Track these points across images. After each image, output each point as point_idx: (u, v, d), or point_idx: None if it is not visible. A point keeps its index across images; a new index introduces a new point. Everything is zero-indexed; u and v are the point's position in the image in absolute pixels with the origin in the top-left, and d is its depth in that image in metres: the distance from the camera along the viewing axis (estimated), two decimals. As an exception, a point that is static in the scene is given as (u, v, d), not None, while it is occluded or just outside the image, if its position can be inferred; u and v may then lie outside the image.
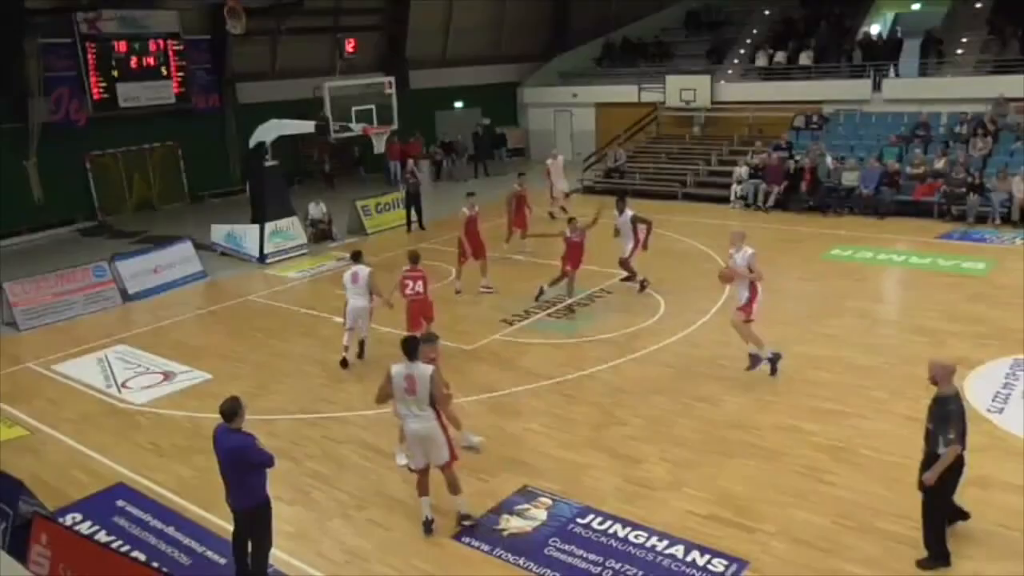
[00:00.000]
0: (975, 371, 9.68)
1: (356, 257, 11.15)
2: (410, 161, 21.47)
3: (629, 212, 13.35)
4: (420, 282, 10.65)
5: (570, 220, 13.18)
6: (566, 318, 12.60)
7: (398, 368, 6.90)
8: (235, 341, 12.44)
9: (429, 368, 6.92)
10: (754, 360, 9.85)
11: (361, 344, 11.25)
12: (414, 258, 10.75)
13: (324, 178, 26.49)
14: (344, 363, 11.01)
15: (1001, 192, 17.07)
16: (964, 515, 6.58)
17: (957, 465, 6.08)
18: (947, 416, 5.99)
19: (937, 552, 6.24)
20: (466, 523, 7.16)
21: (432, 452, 6.96)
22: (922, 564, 6.27)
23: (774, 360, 9.86)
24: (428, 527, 7.09)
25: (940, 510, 6.24)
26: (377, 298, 10.86)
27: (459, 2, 28.65)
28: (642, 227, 13.27)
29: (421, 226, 19.60)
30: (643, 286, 13.40)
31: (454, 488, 7.10)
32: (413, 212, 19.64)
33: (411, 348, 6.93)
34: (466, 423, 9.21)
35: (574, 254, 12.82)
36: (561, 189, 19.98)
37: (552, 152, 21.22)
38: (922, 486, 6.17)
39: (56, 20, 20.31)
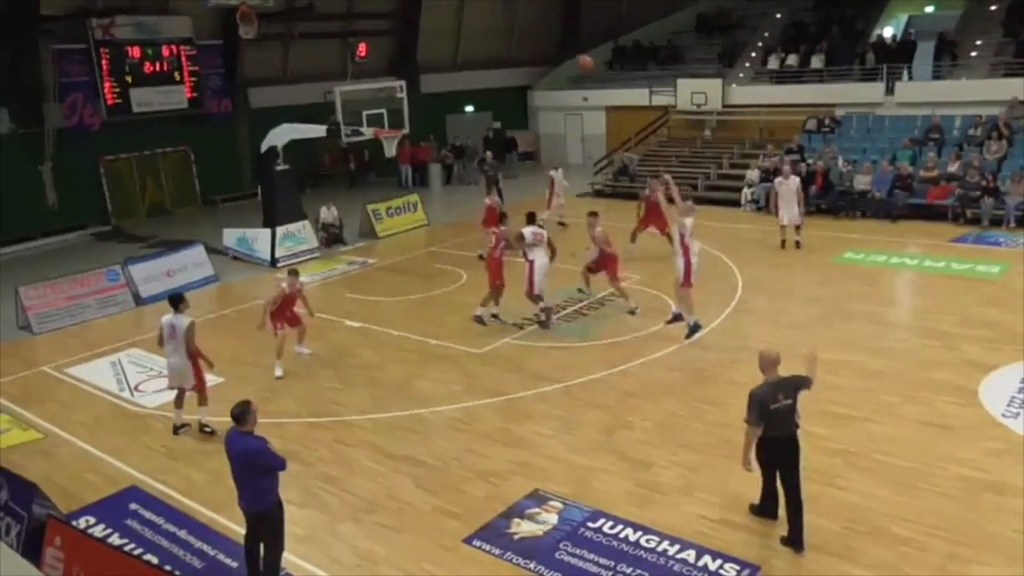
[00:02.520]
0: (989, 376, 9.62)
1: (176, 303, 9.32)
2: (488, 153, 22.83)
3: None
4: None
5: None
6: (576, 321, 12.59)
7: (167, 318, 9.21)
8: (246, 345, 12.45)
9: (187, 319, 9.12)
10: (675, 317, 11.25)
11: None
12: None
13: (348, 177, 26.69)
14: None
15: (1015, 195, 16.94)
16: (773, 514, 6.88)
17: (785, 447, 6.53)
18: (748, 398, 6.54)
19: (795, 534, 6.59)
20: (206, 431, 9.26)
21: (184, 380, 9.27)
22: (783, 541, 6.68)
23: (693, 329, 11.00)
24: (176, 430, 9.41)
25: (790, 488, 6.60)
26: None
27: (470, 6, 28.75)
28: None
29: None
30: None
31: (202, 400, 9.37)
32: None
33: (175, 302, 9.20)
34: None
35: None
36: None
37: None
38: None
39: (70, 26, 20.52)
